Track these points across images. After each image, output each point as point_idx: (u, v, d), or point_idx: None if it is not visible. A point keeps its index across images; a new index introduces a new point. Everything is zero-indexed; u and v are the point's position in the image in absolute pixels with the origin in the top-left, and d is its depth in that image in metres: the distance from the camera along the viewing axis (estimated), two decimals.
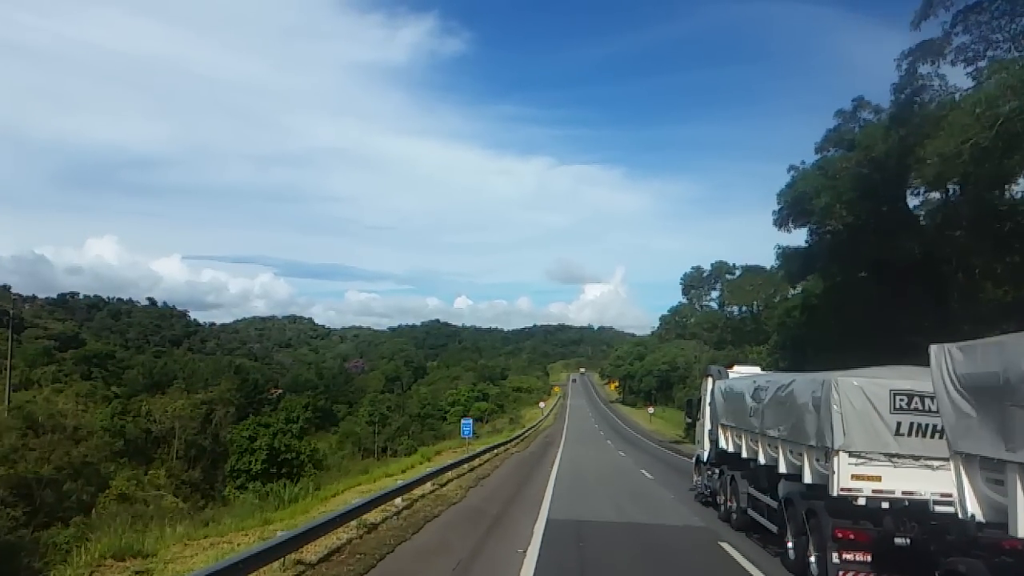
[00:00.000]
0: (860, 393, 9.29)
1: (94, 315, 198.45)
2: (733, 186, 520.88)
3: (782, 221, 30.57)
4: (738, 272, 52.45)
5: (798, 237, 34.10)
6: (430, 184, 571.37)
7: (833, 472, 9.34)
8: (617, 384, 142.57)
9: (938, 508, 8.98)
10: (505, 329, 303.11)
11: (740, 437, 14.67)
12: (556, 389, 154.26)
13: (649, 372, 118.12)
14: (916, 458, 9.12)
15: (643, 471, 30.19)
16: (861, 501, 9.30)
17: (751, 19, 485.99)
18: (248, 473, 34.54)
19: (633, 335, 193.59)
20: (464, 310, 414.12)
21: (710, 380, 18.09)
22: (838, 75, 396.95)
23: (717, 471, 17.16)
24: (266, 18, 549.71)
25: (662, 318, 55.43)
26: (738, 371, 18.21)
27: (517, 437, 52.40)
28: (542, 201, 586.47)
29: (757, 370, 19.17)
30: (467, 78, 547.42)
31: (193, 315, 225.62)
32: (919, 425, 9.10)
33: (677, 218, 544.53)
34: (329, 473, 41.72)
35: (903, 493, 9.20)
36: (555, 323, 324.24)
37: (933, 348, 6.41)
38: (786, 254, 33.16)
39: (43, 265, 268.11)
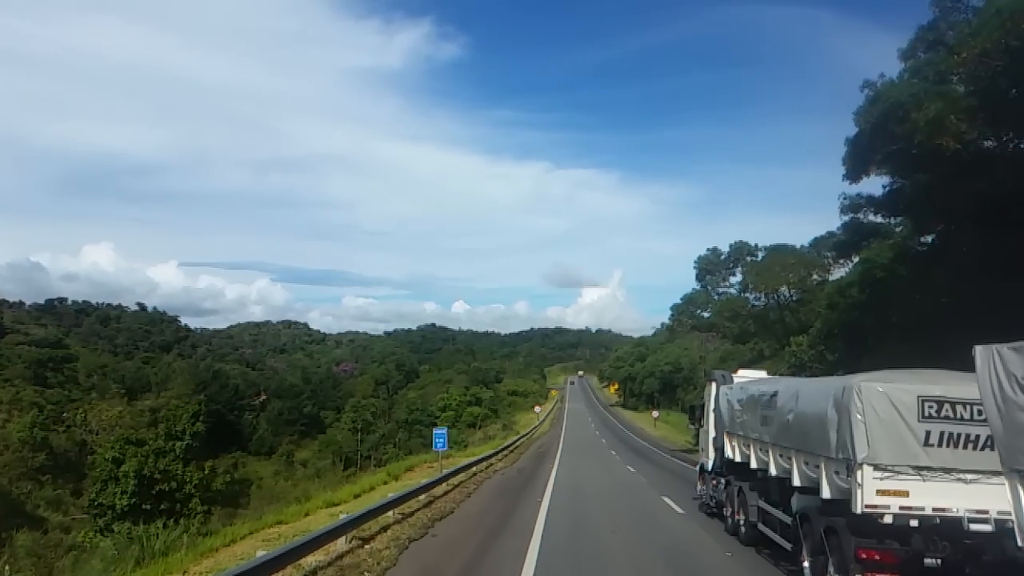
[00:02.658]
0: (885, 400, 8.17)
1: (82, 321, 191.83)
2: (730, 190, 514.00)
3: (859, 157, 21.85)
4: (761, 254, 44.12)
5: (871, 187, 25.68)
6: (427, 189, 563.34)
7: (856, 487, 8.24)
8: (617, 386, 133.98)
9: (973, 526, 7.95)
10: (502, 333, 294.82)
11: (748, 446, 13.42)
12: (553, 393, 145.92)
13: (651, 374, 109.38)
14: (948, 471, 8.05)
15: (666, 499, 21.63)
16: (887, 519, 8.18)
17: (745, 23, 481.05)
18: (113, 510, 25.18)
19: (631, 338, 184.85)
20: (461, 315, 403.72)
21: (714, 385, 16.79)
22: (833, 78, 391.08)
23: (723, 481, 15.77)
24: (261, 25, 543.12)
25: (674, 307, 46.79)
26: (743, 375, 17.19)
27: (506, 448, 43.83)
28: (539, 205, 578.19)
29: (763, 374, 18.31)
30: (463, 83, 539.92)
31: (189, 322, 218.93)
32: (950, 435, 8.01)
33: (674, 221, 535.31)
34: (253, 503, 33.64)
35: (934, 510, 8.11)
36: (552, 326, 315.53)
37: (979, 349, 5.29)
38: (854, 204, 24.66)
39: (39, 272, 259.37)
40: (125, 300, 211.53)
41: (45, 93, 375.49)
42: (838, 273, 41.13)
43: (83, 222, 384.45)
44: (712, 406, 16.52)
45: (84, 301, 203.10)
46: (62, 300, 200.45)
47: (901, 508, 8.17)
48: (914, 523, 8.21)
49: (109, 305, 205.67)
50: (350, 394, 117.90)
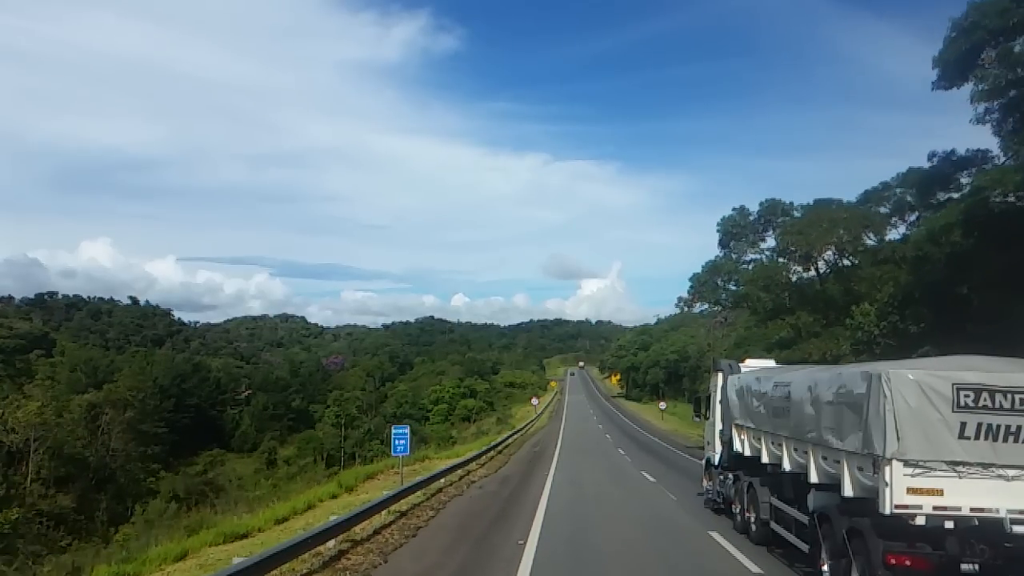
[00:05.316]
0: (916, 389, 7.19)
1: (73, 315, 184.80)
2: (727, 181, 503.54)
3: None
4: (797, 213, 36.21)
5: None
6: (425, 182, 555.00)
7: (884, 485, 7.27)
8: (619, 377, 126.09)
9: (1015, 528, 7.07)
10: (501, 325, 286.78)
11: (759, 439, 12.24)
12: (552, 384, 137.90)
13: (655, 363, 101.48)
14: (986, 466, 7.10)
15: (715, 536, 13.79)
16: (919, 520, 7.20)
17: (741, 12, 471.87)
18: None
19: (632, 329, 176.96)
20: (461, 307, 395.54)
21: (720, 376, 15.54)
22: (829, 67, 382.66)
23: (731, 476, 14.57)
24: (258, 18, 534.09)
25: (693, 277, 38.52)
26: (751, 365, 15.83)
27: (495, 446, 35.88)
28: (537, 197, 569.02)
29: (772, 363, 17.09)
30: (461, 75, 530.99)
31: (188, 317, 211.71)
32: (989, 426, 7.04)
33: (672, 212, 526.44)
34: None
35: (971, 510, 7.16)
36: (552, 318, 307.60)
37: None
38: (995, 86, 16.79)
39: (36, 268, 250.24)
40: (123, 295, 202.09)
41: (41, 89, 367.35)
42: (891, 235, 33.29)
43: (80, 218, 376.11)
44: (719, 397, 15.53)
45: (75, 295, 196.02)
46: (52, 294, 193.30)
47: (935, 508, 7.14)
48: (949, 525, 7.20)
49: (100, 299, 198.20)
50: (339, 387, 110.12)
